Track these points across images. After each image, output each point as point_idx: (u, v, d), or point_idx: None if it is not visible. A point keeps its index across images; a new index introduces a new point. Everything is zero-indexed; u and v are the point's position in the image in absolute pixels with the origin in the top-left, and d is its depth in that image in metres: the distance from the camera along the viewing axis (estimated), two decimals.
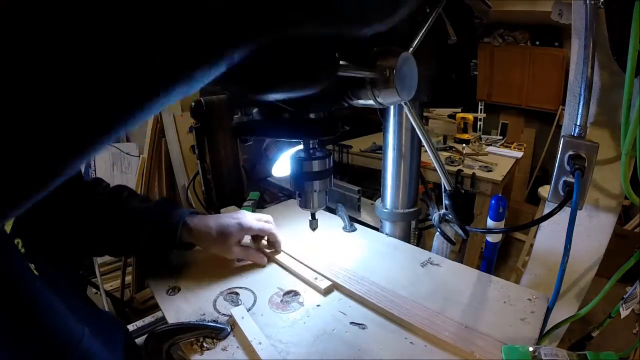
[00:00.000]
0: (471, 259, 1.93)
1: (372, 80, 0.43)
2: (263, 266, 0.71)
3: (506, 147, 2.66)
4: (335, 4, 0.21)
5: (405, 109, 0.48)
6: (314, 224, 0.64)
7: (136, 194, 0.71)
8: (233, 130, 0.54)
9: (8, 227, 0.38)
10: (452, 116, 2.58)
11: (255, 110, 0.53)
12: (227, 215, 0.70)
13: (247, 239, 0.74)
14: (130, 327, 0.76)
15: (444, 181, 0.60)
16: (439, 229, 0.74)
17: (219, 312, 0.60)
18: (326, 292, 0.64)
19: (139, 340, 0.72)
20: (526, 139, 3.50)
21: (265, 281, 0.68)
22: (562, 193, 0.61)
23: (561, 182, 0.61)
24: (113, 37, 0.14)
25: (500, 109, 3.76)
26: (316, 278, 0.66)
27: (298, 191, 0.57)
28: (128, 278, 1.96)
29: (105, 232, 0.63)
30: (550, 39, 3.28)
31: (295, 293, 0.65)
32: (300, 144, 0.54)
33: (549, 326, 0.61)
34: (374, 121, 0.88)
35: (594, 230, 0.66)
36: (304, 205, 0.58)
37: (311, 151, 0.54)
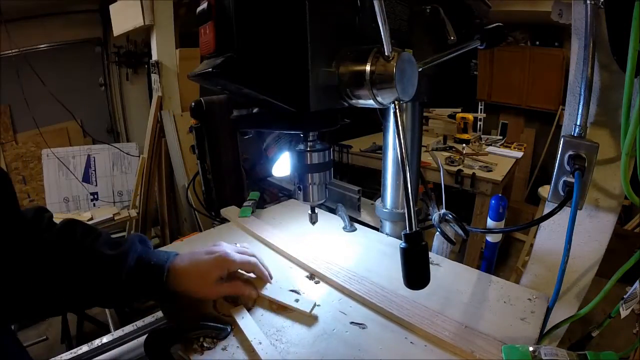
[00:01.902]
0: (471, 259, 1.93)
1: (372, 80, 0.43)
2: (254, 299, 0.62)
3: (506, 147, 2.67)
4: None
5: (392, 111, 0.45)
6: (313, 218, 0.63)
7: (94, 230, 0.56)
8: (233, 123, 0.54)
9: None
10: (452, 116, 2.59)
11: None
12: (203, 251, 0.60)
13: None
14: (130, 327, 0.76)
15: (407, 221, 0.43)
16: (439, 229, 0.74)
17: (219, 312, 0.60)
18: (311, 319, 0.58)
19: (139, 340, 0.72)
20: (526, 139, 3.50)
21: None
22: (562, 193, 0.61)
23: (561, 182, 0.61)
24: None
25: (500, 109, 3.76)
26: (297, 300, 0.60)
27: (298, 184, 0.57)
28: None
29: (64, 284, 0.49)
30: (550, 39, 3.28)
31: (295, 293, 0.65)
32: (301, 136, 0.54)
33: (549, 326, 0.61)
34: (374, 121, 0.88)
35: (594, 230, 0.66)
36: (304, 198, 0.58)
37: (311, 144, 0.54)
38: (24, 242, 0.48)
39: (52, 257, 0.49)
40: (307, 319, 0.58)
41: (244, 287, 0.61)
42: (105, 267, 0.52)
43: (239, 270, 0.64)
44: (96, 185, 2.41)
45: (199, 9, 0.42)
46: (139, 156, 2.38)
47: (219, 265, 0.58)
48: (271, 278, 0.65)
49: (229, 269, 0.60)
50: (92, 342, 0.72)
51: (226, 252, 0.60)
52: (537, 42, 3.40)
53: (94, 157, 2.41)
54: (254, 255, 0.64)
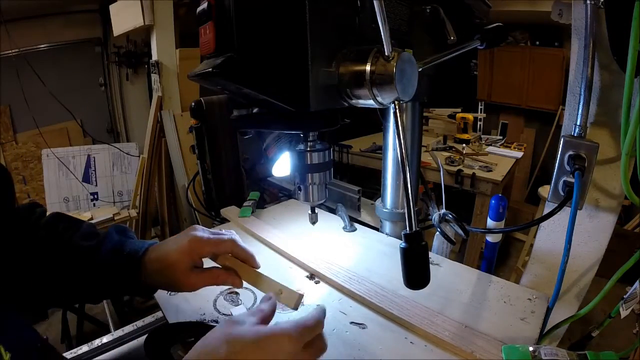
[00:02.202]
0: (471, 259, 1.93)
1: (372, 80, 0.43)
2: (239, 286, 0.54)
3: (506, 147, 2.67)
4: None
5: (392, 111, 0.45)
6: (313, 218, 0.63)
7: (76, 223, 0.55)
8: (233, 123, 0.54)
9: None
10: (452, 116, 2.59)
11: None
12: (175, 237, 0.54)
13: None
14: (130, 327, 0.76)
15: (407, 221, 0.43)
16: (439, 229, 0.74)
17: (219, 312, 0.60)
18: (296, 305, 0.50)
19: (139, 340, 0.72)
20: (526, 139, 3.50)
21: None
22: (562, 193, 0.61)
23: (561, 182, 0.61)
24: None
25: (500, 109, 3.76)
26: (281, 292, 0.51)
27: (298, 184, 0.57)
28: None
29: (45, 278, 0.49)
30: (550, 39, 3.28)
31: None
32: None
33: (549, 326, 0.61)
34: (374, 121, 0.88)
35: (594, 230, 0.66)
36: (304, 198, 0.58)
37: (311, 144, 0.54)
38: (14, 236, 0.48)
39: (34, 251, 0.49)
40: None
41: (224, 276, 0.53)
42: (80, 259, 0.50)
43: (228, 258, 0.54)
44: (96, 185, 2.41)
45: (199, 9, 0.42)
46: (139, 156, 2.38)
47: (187, 251, 0.50)
48: (259, 266, 0.55)
49: (201, 253, 0.52)
50: (92, 342, 0.72)
51: (195, 234, 0.52)
52: (537, 42, 3.40)
53: (94, 157, 2.41)
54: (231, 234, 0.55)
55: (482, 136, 2.82)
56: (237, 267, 0.54)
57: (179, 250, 0.50)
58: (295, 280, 0.69)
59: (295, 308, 0.49)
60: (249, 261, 0.54)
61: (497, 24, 0.66)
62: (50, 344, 0.45)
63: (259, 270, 0.54)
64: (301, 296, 0.50)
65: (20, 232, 0.50)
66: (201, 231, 0.53)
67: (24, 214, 0.53)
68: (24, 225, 0.52)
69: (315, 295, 0.64)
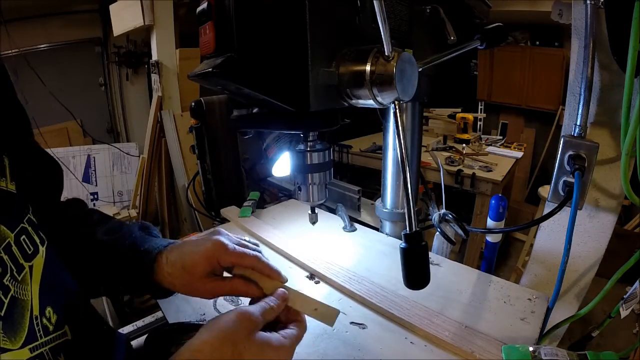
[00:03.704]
0: (471, 259, 1.93)
1: (372, 80, 0.43)
2: (257, 298, 0.47)
3: (506, 147, 2.67)
4: None
5: (392, 111, 0.45)
6: (313, 218, 0.63)
7: (106, 219, 0.56)
8: (233, 123, 0.54)
9: None
10: (452, 116, 2.59)
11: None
12: (196, 239, 0.51)
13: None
14: (130, 327, 0.76)
15: (407, 221, 0.43)
16: (439, 229, 0.74)
17: (219, 312, 0.60)
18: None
19: (139, 341, 0.72)
20: (526, 139, 3.50)
21: None
22: (562, 193, 0.61)
23: (561, 182, 0.61)
24: None
25: (500, 109, 3.76)
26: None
27: (298, 184, 0.57)
28: None
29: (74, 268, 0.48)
30: (550, 39, 3.28)
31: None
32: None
33: (549, 326, 0.61)
34: (374, 121, 0.88)
35: (594, 230, 0.66)
36: (304, 198, 0.58)
37: (311, 144, 0.54)
38: (54, 226, 0.49)
39: (64, 241, 0.49)
40: (307, 318, 0.58)
41: (244, 287, 0.48)
42: (99, 253, 0.51)
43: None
44: (96, 185, 2.41)
45: (199, 9, 0.42)
46: (139, 156, 2.38)
47: (208, 255, 0.47)
48: (285, 280, 0.50)
49: (221, 261, 0.48)
50: None
51: (219, 240, 0.48)
52: (537, 42, 3.40)
53: (94, 157, 2.41)
54: (258, 251, 0.51)
55: (482, 136, 2.82)
56: (257, 279, 0.48)
57: (199, 253, 0.48)
58: (296, 280, 0.69)
59: (332, 324, 0.46)
60: (273, 276, 0.49)
61: (497, 24, 0.66)
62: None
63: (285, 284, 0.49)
64: (338, 312, 0.46)
65: (59, 223, 0.51)
66: (226, 238, 0.50)
67: (64, 207, 0.56)
68: (63, 217, 0.54)
69: (315, 296, 0.64)
